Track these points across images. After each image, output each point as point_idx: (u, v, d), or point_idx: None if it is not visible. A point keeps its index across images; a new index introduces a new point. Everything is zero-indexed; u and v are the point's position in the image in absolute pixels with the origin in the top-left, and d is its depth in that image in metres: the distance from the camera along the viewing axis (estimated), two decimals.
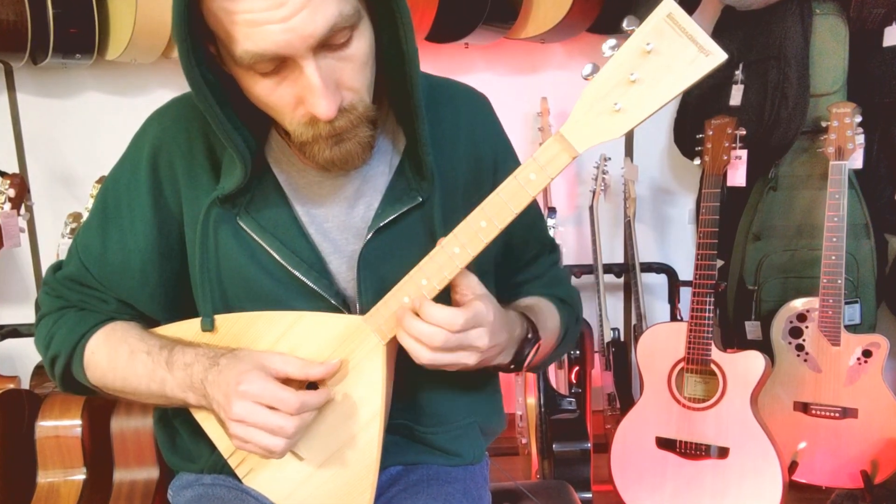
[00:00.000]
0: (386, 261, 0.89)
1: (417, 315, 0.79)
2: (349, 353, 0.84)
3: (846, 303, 2.12)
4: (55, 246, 2.19)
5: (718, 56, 0.67)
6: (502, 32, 2.29)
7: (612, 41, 0.71)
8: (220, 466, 0.95)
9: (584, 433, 1.99)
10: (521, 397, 2.16)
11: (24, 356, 2.43)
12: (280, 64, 0.75)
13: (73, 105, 2.41)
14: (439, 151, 0.91)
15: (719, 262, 2.26)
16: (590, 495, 1.94)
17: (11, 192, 2.03)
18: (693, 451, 1.94)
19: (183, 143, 0.90)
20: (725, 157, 2.01)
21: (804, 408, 2.10)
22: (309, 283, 0.87)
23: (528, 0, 2.21)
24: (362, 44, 0.78)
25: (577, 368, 2.13)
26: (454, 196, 0.93)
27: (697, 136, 2.09)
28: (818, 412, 2.07)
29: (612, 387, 2.34)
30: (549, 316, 0.98)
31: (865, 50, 2.19)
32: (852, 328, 2.16)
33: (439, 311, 0.77)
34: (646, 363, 2.02)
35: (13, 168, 2.37)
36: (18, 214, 2.06)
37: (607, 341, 2.38)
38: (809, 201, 2.24)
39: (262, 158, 0.89)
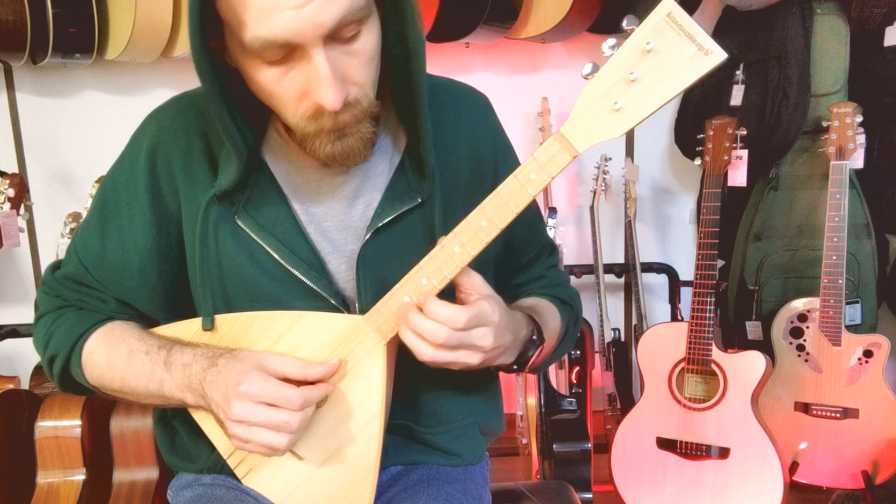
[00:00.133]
0: (385, 261, 0.89)
1: (421, 312, 0.78)
2: (349, 352, 0.84)
3: (847, 303, 2.12)
4: (55, 246, 2.19)
5: (718, 55, 0.67)
6: (503, 32, 2.29)
7: (611, 40, 0.72)
8: (220, 466, 0.94)
9: (584, 433, 1.99)
10: (521, 397, 2.16)
11: (23, 356, 2.43)
12: (289, 53, 0.74)
13: (72, 105, 2.41)
14: (440, 151, 0.91)
15: (720, 262, 2.26)
16: (590, 496, 1.94)
17: (11, 192, 2.03)
18: (694, 451, 1.94)
19: (181, 142, 0.89)
20: (726, 157, 2.00)
21: (805, 408, 2.09)
22: (308, 282, 0.87)
23: (528, 0, 2.21)
24: (370, 39, 0.78)
25: (577, 368, 2.12)
26: (455, 196, 0.92)
27: (698, 136, 2.08)
28: (819, 412, 2.07)
29: (612, 387, 2.34)
30: (550, 316, 0.98)
31: (866, 49, 2.19)
32: (853, 328, 2.16)
33: (442, 308, 0.77)
34: (646, 363, 2.02)
35: (12, 168, 2.37)
36: (18, 214, 2.06)
37: (608, 341, 2.38)
38: (810, 201, 2.24)
39: (260, 157, 0.89)
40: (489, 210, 0.76)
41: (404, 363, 0.88)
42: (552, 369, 2.14)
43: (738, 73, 2.23)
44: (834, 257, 2.00)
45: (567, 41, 2.47)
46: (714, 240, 1.96)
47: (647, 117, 0.71)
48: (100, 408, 1.77)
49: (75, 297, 0.94)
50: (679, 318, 2.45)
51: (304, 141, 0.81)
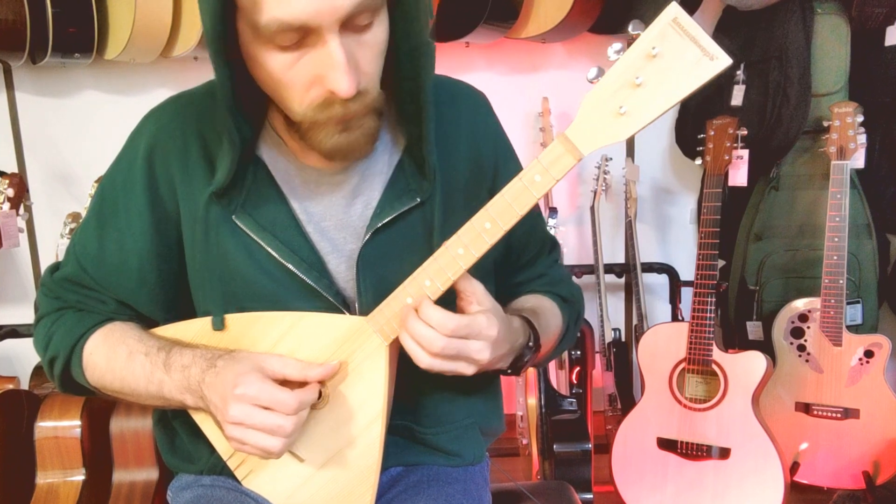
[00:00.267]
0: (385, 261, 0.88)
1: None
2: (350, 354, 0.84)
3: (848, 303, 2.12)
4: (54, 246, 2.19)
5: (723, 60, 0.68)
6: (503, 32, 2.29)
7: (617, 45, 0.72)
8: (220, 468, 0.94)
9: (584, 434, 1.99)
10: (521, 398, 2.16)
11: (23, 356, 2.43)
12: (302, 38, 0.74)
13: (71, 104, 2.41)
14: (440, 151, 0.90)
15: (721, 263, 2.26)
16: (591, 496, 1.93)
17: (10, 192, 2.03)
18: (694, 451, 1.94)
19: (179, 143, 0.89)
20: (727, 157, 2.00)
21: (806, 408, 2.09)
22: (310, 282, 0.87)
23: (528, 0, 2.21)
24: (381, 31, 0.78)
25: (577, 369, 2.12)
26: (454, 196, 0.92)
27: (699, 136, 2.08)
28: (820, 413, 2.07)
29: (613, 387, 2.34)
30: (551, 316, 0.98)
31: (867, 49, 2.19)
32: (854, 328, 2.15)
33: (434, 313, 0.77)
34: (647, 363, 2.02)
35: (12, 168, 2.37)
36: (17, 214, 2.06)
37: (608, 342, 2.37)
38: (811, 201, 2.24)
39: (257, 155, 0.88)
40: (493, 212, 0.77)
41: (405, 364, 0.88)
42: (552, 369, 2.13)
43: (738, 73, 2.23)
44: (835, 257, 2.00)
45: (568, 41, 2.47)
46: (715, 240, 1.96)
47: (652, 122, 0.71)
48: (100, 408, 1.76)
49: (74, 299, 0.94)
50: (680, 318, 2.45)
51: (310, 132, 0.80)
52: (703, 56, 0.68)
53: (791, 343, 2.12)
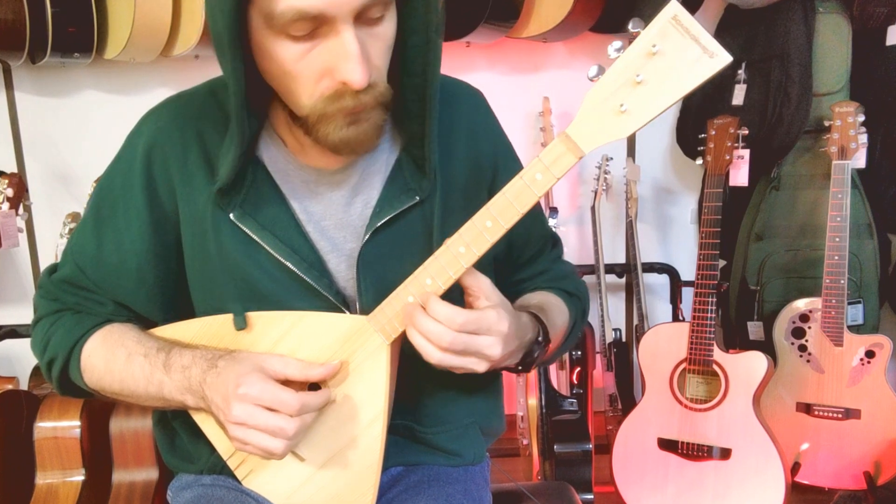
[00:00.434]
0: (385, 260, 0.88)
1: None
2: (352, 353, 0.84)
3: (849, 303, 2.11)
4: (54, 246, 2.18)
5: (723, 58, 0.68)
6: (504, 31, 2.28)
7: (617, 43, 0.73)
8: (220, 467, 0.94)
9: (585, 434, 1.99)
10: (522, 398, 2.16)
11: (22, 357, 2.42)
12: (316, 28, 0.74)
13: (71, 104, 2.41)
14: (439, 150, 0.90)
15: (721, 263, 2.25)
16: (591, 496, 1.93)
17: (10, 192, 2.02)
18: (695, 452, 1.93)
19: (177, 143, 0.89)
20: (728, 157, 2.00)
21: (807, 409, 2.09)
22: (311, 281, 0.87)
23: None
24: (391, 25, 0.78)
25: (578, 369, 2.12)
26: (453, 195, 0.92)
27: (700, 136, 2.08)
28: (821, 413, 2.07)
29: (613, 387, 2.34)
30: (558, 312, 0.97)
31: (868, 49, 2.18)
32: (855, 328, 2.15)
33: (442, 308, 0.77)
34: (647, 364, 2.02)
35: (11, 167, 2.37)
36: (17, 214, 2.05)
37: (609, 342, 2.37)
38: (812, 201, 2.24)
39: (256, 155, 0.88)
40: (494, 210, 0.77)
41: (405, 363, 0.88)
42: (553, 369, 2.13)
43: (739, 72, 2.22)
44: (836, 257, 1.99)
45: (569, 40, 2.47)
46: (715, 240, 1.96)
47: (653, 119, 0.71)
48: (99, 408, 1.76)
49: (72, 301, 0.94)
50: (680, 318, 2.45)
51: (318, 125, 0.80)
52: (703, 53, 0.68)
53: (792, 343, 2.12)
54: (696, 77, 0.69)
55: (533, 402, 2.03)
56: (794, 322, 2.12)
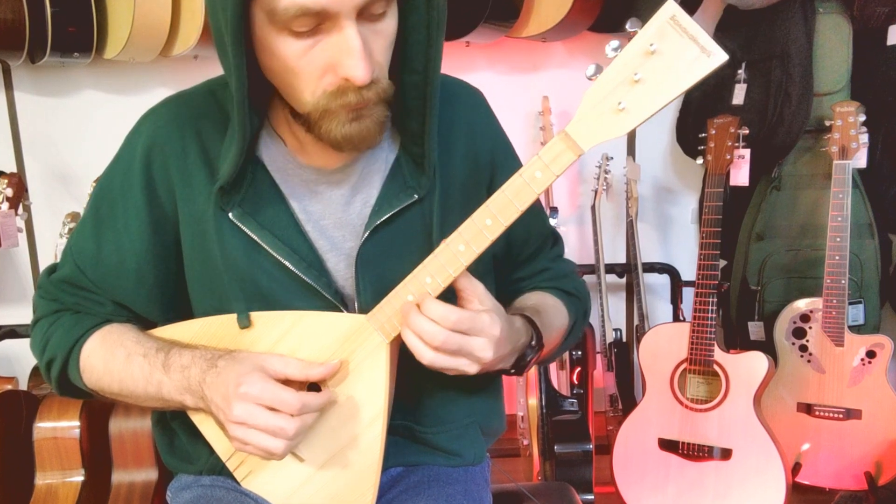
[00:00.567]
0: (384, 259, 0.88)
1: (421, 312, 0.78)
2: (351, 352, 0.84)
3: (850, 303, 2.11)
4: (53, 246, 2.18)
5: (719, 57, 0.69)
6: (503, 31, 2.28)
7: (615, 42, 0.73)
8: (219, 468, 0.94)
9: (585, 434, 1.99)
10: (522, 398, 2.15)
11: (21, 357, 2.42)
12: (319, 24, 0.74)
13: (71, 104, 2.40)
14: (438, 148, 0.90)
15: (722, 262, 2.25)
16: (592, 497, 1.93)
17: (9, 192, 2.02)
18: (696, 452, 1.93)
19: (177, 143, 0.89)
20: (728, 157, 2.00)
21: (807, 409, 2.09)
22: (309, 280, 0.87)
23: None
24: (392, 22, 0.79)
25: (578, 369, 2.12)
26: (452, 193, 0.92)
27: (700, 136, 2.08)
28: (822, 413, 2.06)
29: (614, 388, 2.33)
30: (555, 314, 0.97)
31: (869, 48, 2.18)
32: (856, 329, 2.15)
33: (436, 307, 0.77)
34: (648, 364, 2.02)
35: (11, 167, 2.36)
36: (16, 214, 2.05)
37: (609, 342, 2.37)
38: (813, 201, 2.23)
39: (256, 155, 0.88)
40: (494, 208, 0.77)
41: (405, 363, 0.87)
42: (553, 370, 2.13)
43: (739, 72, 2.22)
44: (837, 257, 1.99)
45: (568, 40, 2.46)
46: (716, 240, 1.95)
47: (651, 117, 0.72)
48: (99, 409, 1.76)
49: (72, 301, 0.93)
50: (681, 318, 2.45)
51: (320, 121, 0.80)
52: (701, 52, 0.69)
53: (793, 343, 2.12)
54: (692, 75, 0.69)
55: (533, 402, 2.02)
56: (794, 322, 2.12)
